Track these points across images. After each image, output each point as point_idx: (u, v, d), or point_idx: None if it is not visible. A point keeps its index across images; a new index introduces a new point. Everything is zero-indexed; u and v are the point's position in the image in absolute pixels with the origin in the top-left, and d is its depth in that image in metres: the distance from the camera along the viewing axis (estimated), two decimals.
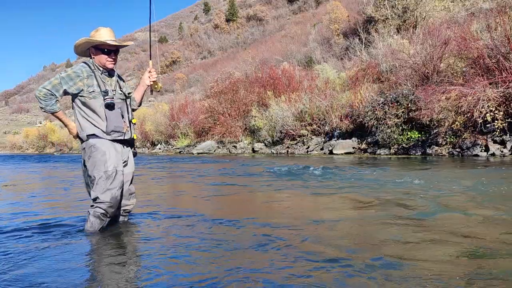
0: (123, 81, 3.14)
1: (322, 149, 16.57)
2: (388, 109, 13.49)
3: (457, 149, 11.41)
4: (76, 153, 36.61)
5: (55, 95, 2.75)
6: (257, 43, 58.30)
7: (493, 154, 10.37)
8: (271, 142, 20.18)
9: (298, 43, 40.25)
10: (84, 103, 2.82)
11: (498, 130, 10.41)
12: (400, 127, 13.18)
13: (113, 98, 2.86)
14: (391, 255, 2.19)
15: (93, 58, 2.91)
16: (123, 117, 2.94)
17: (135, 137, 3.09)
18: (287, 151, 18.30)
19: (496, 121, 10.23)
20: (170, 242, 2.63)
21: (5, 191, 6.09)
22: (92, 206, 2.85)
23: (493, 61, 11.03)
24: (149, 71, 3.13)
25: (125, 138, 2.97)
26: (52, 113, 2.81)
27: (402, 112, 13.16)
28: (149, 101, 57.87)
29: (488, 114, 10.26)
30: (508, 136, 10.52)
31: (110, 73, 2.97)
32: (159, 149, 30.29)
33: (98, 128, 2.82)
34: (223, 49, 72.29)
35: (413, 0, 22.64)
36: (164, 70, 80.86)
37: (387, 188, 4.95)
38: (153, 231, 2.99)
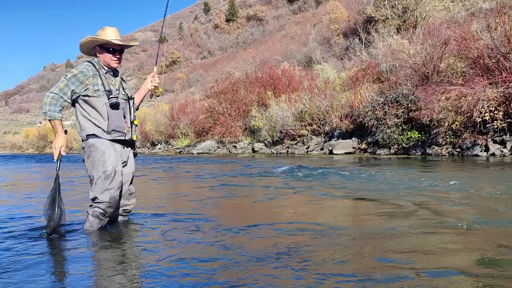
0: (125, 83, 3.16)
1: (322, 149, 16.57)
2: (388, 109, 13.49)
3: (457, 149, 11.41)
4: (76, 153, 36.61)
5: (63, 97, 2.72)
6: (257, 43, 58.33)
7: (493, 154, 10.37)
8: (271, 142, 20.18)
9: (298, 43, 40.27)
10: (86, 102, 2.81)
11: (498, 130, 10.42)
12: (400, 127, 13.18)
13: (117, 98, 2.86)
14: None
15: (98, 56, 2.92)
16: (125, 117, 2.93)
17: (135, 138, 3.08)
18: (287, 151, 18.30)
19: (496, 121, 10.24)
20: (169, 243, 2.63)
21: (5, 191, 6.09)
22: (90, 206, 2.85)
23: (493, 61, 11.04)
24: (153, 76, 3.19)
25: (126, 138, 2.97)
26: (52, 120, 2.73)
27: (402, 112, 13.16)
28: (149, 101, 57.88)
29: (488, 114, 10.27)
30: (508, 136, 10.52)
31: (115, 73, 2.98)
32: (159, 149, 30.30)
33: (99, 127, 2.81)
34: (223, 49, 72.33)
35: (413, 0, 22.65)
36: (164, 70, 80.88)
37: (424, 191, 4.48)
38: (153, 231, 2.99)
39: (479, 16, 15.65)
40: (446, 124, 11.32)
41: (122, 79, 3.09)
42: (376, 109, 13.91)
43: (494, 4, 14.40)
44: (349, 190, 4.96)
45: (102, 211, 2.81)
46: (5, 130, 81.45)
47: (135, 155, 3.14)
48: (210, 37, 78.93)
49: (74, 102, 2.82)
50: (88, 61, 2.89)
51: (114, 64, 2.91)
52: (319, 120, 17.65)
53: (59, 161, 2.77)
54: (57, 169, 2.82)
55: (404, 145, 13.08)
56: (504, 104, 10.42)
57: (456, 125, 10.99)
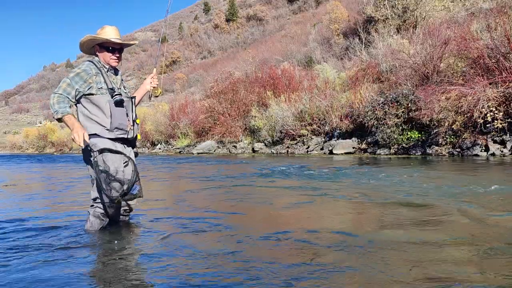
0: (124, 82, 3.17)
1: (322, 149, 16.57)
2: (388, 109, 13.49)
3: (457, 149, 11.41)
4: (76, 153, 36.61)
5: (68, 98, 2.72)
6: (257, 43, 58.31)
7: (493, 154, 10.37)
8: (271, 142, 20.18)
9: (298, 43, 40.26)
10: (89, 100, 2.80)
11: (498, 130, 10.42)
12: (400, 127, 13.18)
13: (121, 95, 2.87)
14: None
15: (98, 55, 2.93)
16: (127, 115, 2.93)
17: (139, 137, 3.09)
18: (287, 151, 18.31)
19: (496, 121, 10.24)
20: (169, 243, 2.63)
21: (5, 191, 6.09)
22: (92, 206, 2.85)
23: (493, 61, 11.04)
24: (152, 77, 3.22)
25: (128, 137, 2.96)
26: (64, 116, 2.67)
27: (402, 112, 13.16)
28: (150, 101, 57.84)
29: (488, 114, 10.27)
30: (508, 136, 10.52)
31: (115, 71, 3.00)
32: (159, 149, 30.28)
33: (101, 125, 2.79)
34: (223, 49, 72.29)
35: (413, 0, 22.65)
36: (164, 70, 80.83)
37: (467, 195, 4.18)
38: (153, 231, 2.99)
39: (479, 16, 15.65)
40: (446, 124, 11.32)
41: (121, 79, 3.10)
42: (376, 109, 13.91)
43: (494, 4, 14.40)
44: (386, 193, 4.54)
45: (103, 211, 2.81)
46: (5, 130, 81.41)
47: (136, 154, 3.14)
48: (210, 37, 78.90)
49: (76, 102, 2.82)
50: (89, 61, 2.90)
51: (113, 63, 2.93)
52: (319, 120, 17.65)
53: (87, 146, 2.68)
54: (92, 150, 2.72)
55: (404, 145, 13.08)
56: (504, 104, 10.42)
57: (456, 125, 10.99)
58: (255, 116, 21.40)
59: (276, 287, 1.79)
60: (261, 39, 59.88)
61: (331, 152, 15.39)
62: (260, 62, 29.09)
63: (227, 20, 79.30)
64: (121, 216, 3.11)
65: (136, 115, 3.05)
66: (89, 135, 2.78)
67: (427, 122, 12.19)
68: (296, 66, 27.47)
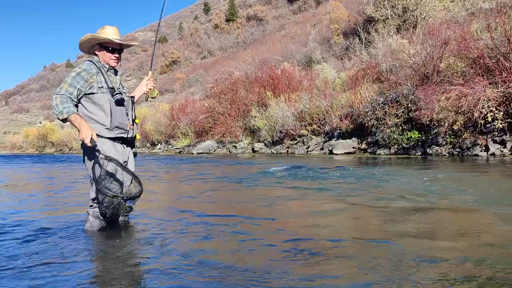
0: (123, 82, 3.19)
1: (322, 149, 16.57)
2: (388, 109, 13.49)
3: (457, 149, 11.41)
4: (76, 153, 36.61)
5: (70, 97, 2.72)
6: (257, 43, 58.30)
7: (493, 154, 10.38)
8: (271, 142, 20.18)
9: (298, 43, 40.26)
10: (89, 99, 2.80)
11: (498, 130, 10.42)
12: (400, 127, 13.18)
13: (122, 94, 2.88)
14: None
15: (97, 55, 2.94)
16: (127, 114, 2.93)
17: (138, 137, 3.10)
18: (287, 151, 18.31)
19: (496, 121, 10.24)
20: (170, 243, 2.63)
21: (5, 191, 6.09)
22: (91, 206, 2.84)
23: (493, 61, 11.03)
24: (148, 79, 3.26)
25: (128, 136, 2.96)
26: (70, 116, 2.66)
27: (402, 112, 13.16)
28: (149, 101, 57.83)
29: (488, 114, 10.27)
30: (508, 136, 10.53)
31: (115, 71, 3.02)
32: (159, 149, 30.28)
33: (101, 124, 2.78)
34: (223, 49, 72.29)
35: (413, 0, 22.64)
36: (164, 70, 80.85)
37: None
38: (153, 232, 2.99)
39: (479, 16, 15.64)
40: (446, 124, 11.32)
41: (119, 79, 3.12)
42: (376, 109, 13.91)
43: (494, 4, 14.38)
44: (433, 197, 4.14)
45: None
46: (5, 130, 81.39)
47: (134, 154, 3.15)
48: (210, 37, 78.89)
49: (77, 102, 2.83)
50: (89, 60, 2.91)
51: (113, 63, 2.94)
52: (319, 120, 17.64)
53: (95, 146, 2.67)
54: (100, 154, 2.70)
55: (404, 145, 13.08)
56: (504, 104, 10.42)
57: (457, 125, 10.99)
58: (255, 116, 21.40)
59: None
60: (261, 39, 59.88)
61: (331, 152, 15.39)
62: (260, 62, 29.08)
63: (227, 20, 79.30)
64: (120, 216, 3.10)
65: (135, 115, 3.05)
66: None
67: (427, 122, 12.19)
68: (296, 66, 27.46)
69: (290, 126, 18.50)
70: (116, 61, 2.96)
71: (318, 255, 2.22)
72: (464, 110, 10.68)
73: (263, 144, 20.59)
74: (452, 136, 11.65)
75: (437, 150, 11.92)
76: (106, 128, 2.80)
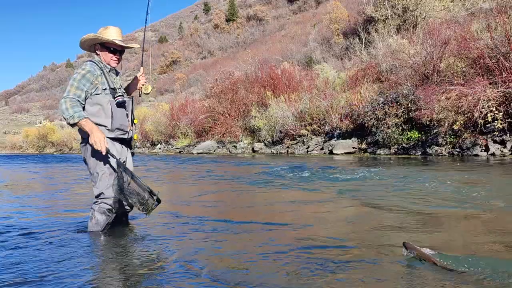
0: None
1: (322, 149, 16.57)
2: (388, 109, 13.49)
3: (457, 149, 11.41)
4: (76, 153, 36.61)
5: (79, 101, 2.69)
6: (257, 43, 58.29)
7: (493, 154, 10.38)
8: (271, 142, 20.18)
9: (298, 43, 40.24)
10: (90, 99, 2.79)
11: (498, 130, 10.42)
12: (400, 127, 13.18)
13: (123, 96, 2.88)
14: None
15: (98, 55, 2.93)
16: (127, 116, 2.94)
17: (135, 138, 3.10)
18: (287, 151, 18.31)
19: (496, 121, 10.24)
20: (170, 244, 2.63)
21: (6, 191, 6.09)
22: (95, 202, 2.81)
23: (493, 61, 11.03)
24: (141, 75, 3.25)
25: (127, 137, 2.97)
26: (81, 120, 2.63)
27: (402, 112, 13.16)
28: (149, 101, 57.85)
29: (488, 114, 10.27)
30: (508, 136, 10.53)
31: (116, 72, 3.02)
32: (159, 149, 30.28)
33: (102, 125, 2.78)
34: (223, 49, 72.28)
35: (413, 0, 22.64)
36: (164, 70, 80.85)
37: None
38: (153, 232, 2.99)
39: (479, 16, 15.63)
40: (446, 124, 11.32)
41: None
42: (376, 109, 13.91)
43: (494, 4, 14.38)
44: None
45: (109, 206, 2.79)
46: (5, 130, 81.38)
47: (132, 154, 3.15)
48: (210, 37, 78.88)
49: None
50: (91, 61, 2.88)
51: (113, 63, 2.95)
52: (319, 120, 17.64)
53: (108, 153, 2.69)
54: (114, 158, 2.72)
55: (404, 145, 13.08)
56: (504, 104, 10.42)
57: (457, 125, 10.99)
58: (255, 116, 21.40)
59: None
60: (261, 39, 59.87)
61: (331, 152, 15.39)
62: (260, 62, 29.07)
63: (227, 20, 79.28)
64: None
65: (134, 116, 3.06)
66: None
67: (427, 122, 12.19)
68: (296, 66, 27.45)
69: (290, 126, 18.50)
70: (117, 62, 2.97)
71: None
72: (464, 110, 10.68)
73: (263, 144, 20.59)
74: (452, 136, 11.65)
75: (437, 150, 11.92)
76: (107, 129, 2.81)
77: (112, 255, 2.37)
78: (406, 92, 13.40)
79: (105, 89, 2.81)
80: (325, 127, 17.35)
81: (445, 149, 11.77)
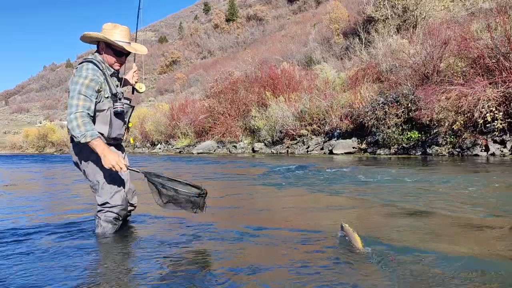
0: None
1: (322, 148, 16.57)
2: (388, 109, 13.49)
3: (457, 149, 11.41)
4: None
5: (89, 114, 2.47)
6: (257, 43, 58.30)
7: (493, 154, 10.38)
8: (271, 142, 20.18)
9: (298, 43, 40.24)
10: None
11: (498, 130, 10.42)
12: (400, 127, 13.19)
13: (123, 106, 2.70)
14: None
15: (102, 53, 2.71)
16: (124, 123, 2.81)
17: (132, 141, 3.01)
18: (287, 151, 18.31)
19: (496, 121, 10.24)
20: (170, 245, 2.63)
21: (6, 191, 6.08)
22: (100, 211, 2.70)
23: (493, 61, 11.03)
24: (135, 71, 3.06)
25: (121, 143, 2.92)
26: (93, 139, 2.44)
27: (402, 112, 13.16)
28: (149, 101, 57.83)
29: (488, 114, 10.27)
30: (508, 136, 10.53)
31: (118, 74, 2.85)
32: (159, 149, 30.29)
33: (98, 132, 2.60)
34: (223, 49, 72.29)
35: (413, 0, 22.64)
36: (164, 70, 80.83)
37: None
38: (154, 232, 2.98)
39: (479, 16, 15.63)
40: (446, 124, 11.33)
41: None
42: (376, 109, 13.92)
43: (494, 4, 14.39)
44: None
45: (115, 215, 2.70)
46: (5, 130, 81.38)
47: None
48: (210, 37, 78.88)
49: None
50: (91, 62, 2.63)
51: (117, 67, 2.77)
52: (319, 120, 17.64)
53: (129, 169, 2.59)
54: (139, 171, 2.59)
55: (404, 145, 13.08)
56: (504, 104, 10.42)
57: (457, 125, 10.99)
58: (255, 116, 21.40)
59: None
60: (261, 39, 59.87)
61: (331, 152, 15.39)
62: (260, 62, 29.06)
63: (227, 20, 79.29)
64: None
65: (129, 120, 2.92)
66: None
67: (427, 122, 12.19)
68: (296, 66, 27.45)
69: (290, 126, 18.50)
70: (121, 65, 2.79)
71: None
72: (464, 110, 10.68)
73: (263, 144, 20.59)
74: (452, 136, 11.65)
75: (437, 150, 11.92)
76: (104, 137, 2.67)
77: (110, 256, 2.37)
78: (406, 92, 13.40)
79: (108, 97, 2.65)
80: (325, 127, 17.35)
81: (445, 149, 11.77)
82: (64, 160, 19.88)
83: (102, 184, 2.65)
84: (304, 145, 17.83)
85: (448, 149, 11.70)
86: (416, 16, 22.46)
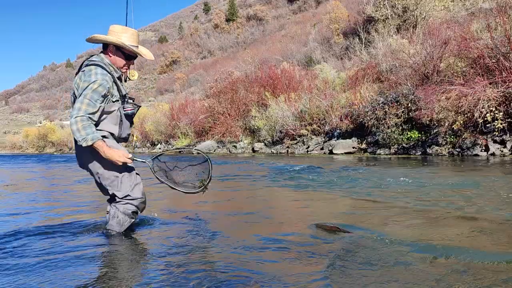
0: None
1: (322, 148, 16.57)
2: (388, 109, 13.49)
3: (457, 149, 11.42)
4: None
5: (91, 119, 2.47)
6: (257, 43, 58.32)
7: (493, 154, 10.38)
8: (271, 142, 20.19)
9: (298, 43, 40.25)
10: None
11: (498, 130, 10.42)
12: (400, 127, 13.19)
13: (134, 109, 2.73)
14: None
15: (109, 55, 2.69)
16: (131, 124, 2.82)
17: (136, 138, 3.06)
18: (287, 150, 18.31)
19: (496, 121, 10.24)
20: (171, 245, 2.63)
21: (7, 191, 6.08)
22: (119, 202, 2.67)
23: (493, 61, 11.03)
24: None
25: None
26: (94, 142, 2.45)
27: (402, 112, 13.16)
28: (149, 101, 57.83)
29: (488, 114, 10.27)
30: (508, 136, 10.53)
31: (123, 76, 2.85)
32: (159, 148, 30.29)
33: (107, 131, 2.64)
34: (223, 49, 72.31)
35: (413, 0, 22.65)
36: (164, 70, 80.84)
37: None
38: (154, 233, 2.98)
39: (479, 16, 15.63)
40: (446, 124, 11.33)
41: None
42: (376, 109, 13.92)
43: (494, 4, 14.39)
44: None
45: (135, 208, 2.71)
46: (5, 130, 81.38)
47: None
48: (210, 37, 78.90)
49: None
50: (99, 66, 2.59)
51: (124, 70, 2.77)
52: (319, 120, 17.65)
53: (135, 160, 2.67)
54: (145, 161, 2.77)
55: (404, 145, 13.09)
56: (504, 104, 10.42)
57: (457, 125, 11.00)
58: (255, 116, 21.40)
59: None
60: (261, 39, 59.88)
61: (331, 152, 15.40)
62: (260, 62, 29.07)
63: (227, 20, 79.31)
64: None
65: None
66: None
67: (427, 122, 12.19)
68: (296, 66, 27.47)
69: (290, 126, 18.50)
70: (128, 68, 2.79)
71: None
72: (464, 110, 10.68)
73: (263, 144, 20.59)
74: (452, 136, 11.65)
75: (437, 150, 11.92)
76: (114, 137, 2.69)
77: (112, 255, 2.37)
78: (406, 92, 13.40)
79: (116, 100, 2.64)
80: (325, 127, 17.35)
81: (445, 149, 11.77)
82: (67, 160, 19.87)
83: (121, 178, 2.65)
84: (304, 145, 17.84)
85: (448, 149, 11.70)
86: (416, 16, 22.47)
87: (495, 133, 10.57)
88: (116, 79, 2.67)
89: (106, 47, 2.70)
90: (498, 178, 5.68)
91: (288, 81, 22.29)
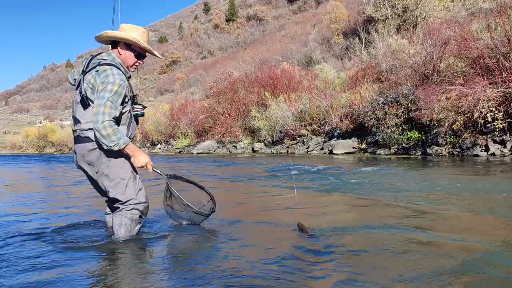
0: None
1: (322, 149, 16.57)
2: (388, 109, 13.49)
3: (457, 149, 11.42)
4: None
5: (114, 121, 2.46)
6: (257, 43, 58.30)
7: (493, 154, 10.38)
8: (271, 142, 20.19)
9: (298, 43, 40.24)
10: None
11: (498, 130, 10.42)
12: (400, 127, 13.19)
13: (143, 109, 2.72)
14: None
15: (121, 54, 2.65)
16: (137, 124, 2.83)
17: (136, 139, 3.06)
18: (287, 151, 18.31)
19: (496, 121, 10.24)
20: (172, 246, 2.63)
21: (7, 191, 6.08)
22: (124, 209, 2.62)
23: (493, 61, 11.03)
24: None
25: None
26: (126, 146, 2.47)
27: (402, 112, 13.16)
28: (149, 101, 57.81)
29: (488, 114, 10.27)
30: (508, 136, 10.53)
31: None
32: (159, 149, 30.29)
33: None
34: (223, 49, 72.28)
35: (413, 0, 22.64)
36: (164, 70, 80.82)
37: None
38: (155, 233, 2.98)
39: (479, 16, 15.63)
40: (446, 124, 11.33)
41: None
42: (376, 109, 13.92)
43: (494, 4, 14.38)
44: None
45: (140, 213, 2.67)
46: (5, 130, 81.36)
47: None
48: (210, 37, 78.87)
49: (87, 102, 2.51)
50: (113, 66, 2.55)
51: (133, 68, 2.76)
52: (319, 120, 17.65)
53: (155, 170, 2.70)
54: (162, 174, 2.85)
55: (404, 145, 13.09)
56: (504, 104, 10.42)
57: (457, 125, 11.00)
58: (255, 116, 21.40)
59: None
60: (261, 39, 59.87)
61: (331, 152, 15.40)
62: (260, 62, 29.06)
63: (227, 20, 79.28)
64: None
65: None
66: None
67: (427, 122, 12.19)
68: (296, 66, 27.46)
69: (290, 126, 18.50)
70: (137, 67, 2.78)
71: None
72: (464, 110, 10.68)
73: (263, 144, 20.59)
74: (452, 136, 11.65)
75: (437, 150, 11.92)
76: None
77: (114, 255, 2.37)
78: (406, 92, 13.40)
79: (128, 100, 2.61)
80: (325, 127, 17.35)
81: (445, 149, 11.77)
82: (69, 160, 19.87)
83: (127, 181, 2.60)
84: (304, 145, 17.84)
85: (448, 149, 11.70)
86: (416, 16, 22.46)
87: (495, 133, 10.57)
88: (127, 78, 2.64)
89: (116, 45, 2.66)
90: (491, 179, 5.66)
91: (288, 81, 22.29)
